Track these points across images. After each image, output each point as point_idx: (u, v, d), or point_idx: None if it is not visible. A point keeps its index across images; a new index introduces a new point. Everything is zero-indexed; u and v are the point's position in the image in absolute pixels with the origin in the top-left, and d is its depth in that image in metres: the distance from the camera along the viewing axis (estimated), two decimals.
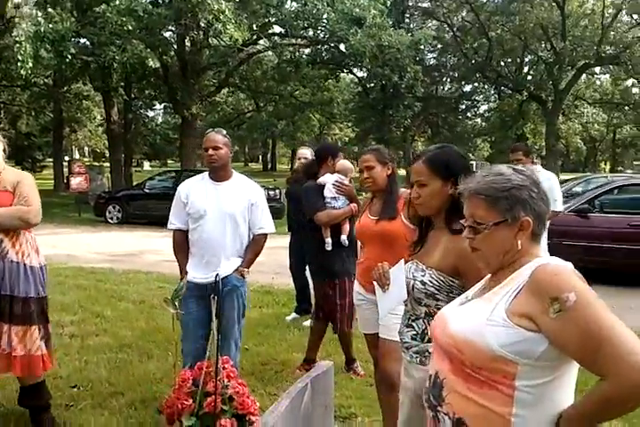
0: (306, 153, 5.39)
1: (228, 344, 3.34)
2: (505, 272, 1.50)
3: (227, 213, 3.40)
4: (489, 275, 1.61)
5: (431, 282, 2.05)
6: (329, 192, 3.96)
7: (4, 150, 3.20)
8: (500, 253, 1.50)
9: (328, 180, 4.00)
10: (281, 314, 5.78)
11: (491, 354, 1.37)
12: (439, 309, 2.03)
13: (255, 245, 3.52)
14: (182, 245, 3.55)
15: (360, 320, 3.28)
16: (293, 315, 5.64)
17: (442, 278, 2.04)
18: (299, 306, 5.71)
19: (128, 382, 4.06)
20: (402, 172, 17.62)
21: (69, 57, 13.16)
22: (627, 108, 35.91)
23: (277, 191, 14.61)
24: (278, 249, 6.34)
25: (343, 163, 4.09)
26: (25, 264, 3.15)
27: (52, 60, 12.94)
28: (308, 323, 5.36)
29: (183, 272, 3.52)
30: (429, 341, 2.03)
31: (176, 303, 2.54)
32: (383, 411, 3.03)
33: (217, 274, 2.96)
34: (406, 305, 2.17)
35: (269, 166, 48.28)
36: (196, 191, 3.50)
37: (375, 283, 2.24)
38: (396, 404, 2.30)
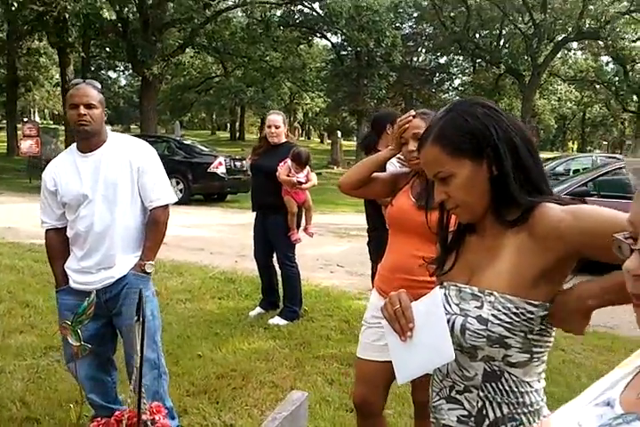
0: (277, 120, 4.64)
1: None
2: None
3: (110, 189, 2.50)
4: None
5: (497, 317, 1.19)
6: (392, 167, 3.05)
7: None
8: None
9: None
10: (244, 308, 4.94)
11: None
12: (510, 364, 1.21)
13: (154, 226, 2.59)
14: (61, 248, 2.64)
15: (363, 341, 2.28)
16: (258, 309, 4.83)
17: (513, 307, 1.18)
18: (265, 299, 4.90)
19: (47, 401, 3.24)
20: None
21: (16, 5, 11.78)
22: (598, 86, 35.70)
23: (244, 162, 13.67)
24: (244, 227, 5.48)
25: None
26: None
27: None
28: (275, 320, 4.59)
29: (62, 282, 2.62)
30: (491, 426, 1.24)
31: (79, 332, 1.66)
32: None
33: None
34: None
35: (237, 135, 46.69)
36: (65, 173, 2.56)
37: (384, 324, 1.29)
38: None
